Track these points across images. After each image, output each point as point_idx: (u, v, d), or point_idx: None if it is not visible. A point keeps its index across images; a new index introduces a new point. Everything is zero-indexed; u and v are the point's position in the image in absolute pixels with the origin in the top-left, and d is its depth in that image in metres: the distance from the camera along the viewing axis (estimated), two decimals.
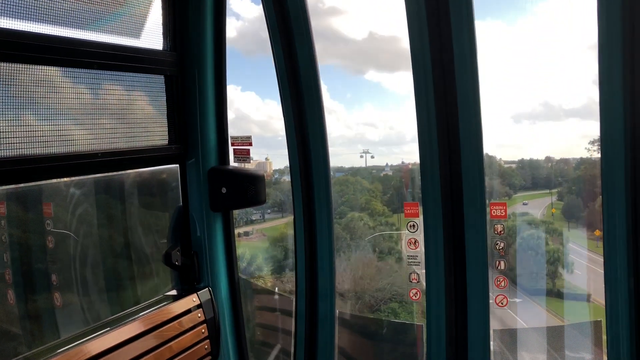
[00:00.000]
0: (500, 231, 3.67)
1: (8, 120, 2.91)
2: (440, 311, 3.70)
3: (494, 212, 3.66)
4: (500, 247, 3.68)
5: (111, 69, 3.43)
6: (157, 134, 3.89)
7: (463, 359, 3.68)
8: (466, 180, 3.54)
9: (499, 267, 3.68)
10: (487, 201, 3.61)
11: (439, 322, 3.71)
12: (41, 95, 3.08)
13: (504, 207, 3.67)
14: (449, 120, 3.51)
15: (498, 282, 3.68)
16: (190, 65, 3.93)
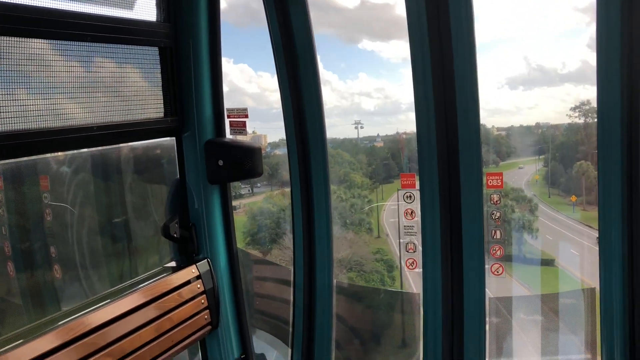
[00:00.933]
0: (496, 201, 3.70)
1: (1, 95, 2.89)
2: (437, 280, 3.74)
3: (490, 182, 3.68)
4: (497, 217, 3.71)
5: (104, 41, 3.38)
6: (153, 107, 3.86)
7: (459, 325, 3.74)
8: (463, 150, 3.55)
9: (495, 237, 3.71)
10: (483, 171, 3.63)
11: (436, 291, 3.76)
12: (34, 70, 3.05)
13: (500, 177, 3.69)
14: (446, 89, 3.50)
15: (494, 251, 3.72)
16: (184, 37, 3.88)
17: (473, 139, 3.52)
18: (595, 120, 3.34)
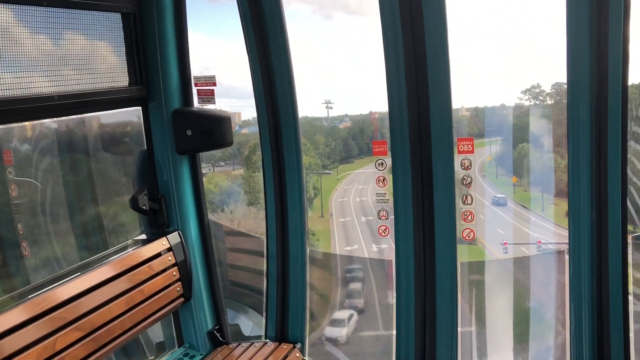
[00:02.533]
0: (467, 166, 3.70)
1: None
2: (409, 246, 3.76)
3: (461, 147, 3.68)
4: (468, 182, 3.72)
5: (62, 5, 3.26)
6: (117, 76, 3.75)
7: (431, 294, 3.77)
8: (434, 116, 3.54)
9: (466, 202, 3.73)
10: (454, 138, 3.63)
11: (408, 257, 3.78)
12: (2, 39, 2.93)
13: (471, 143, 3.69)
14: (417, 54, 3.49)
15: (465, 216, 3.74)
16: (148, 2, 3.75)
17: (444, 104, 3.52)
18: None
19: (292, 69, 3.86)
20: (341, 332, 4.62)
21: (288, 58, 3.82)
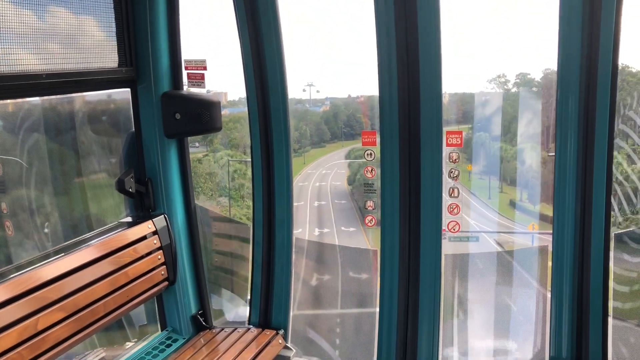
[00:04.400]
0: (455, 159, 3.72)
1: None
2: (395, 237, 3.78)
3: (449, 140, 3.70)
4: (455, 175, 3.74)
5: None
6: (107, 56, 3.71)
7: (415, 285, 3.80)
8: (424, 107, 3.55)
9: (453, 195, 3.75)
10: (443, 130, 3.64)
11: (393, 248, 3.80)
12: None
13: (460, 136, 3.71)
14: (409, 48, 3.49)
15: (451, 209, 3.76)
16: None
17: (435, 96, 3.52)
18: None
19: (283, 56, 3.84)
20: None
21: (280, 41, 3.80)
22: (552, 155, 3.59)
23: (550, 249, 3.67)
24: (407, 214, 3.72)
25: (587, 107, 3.32)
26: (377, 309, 3.97)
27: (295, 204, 4.08)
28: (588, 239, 3.45)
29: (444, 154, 3.65)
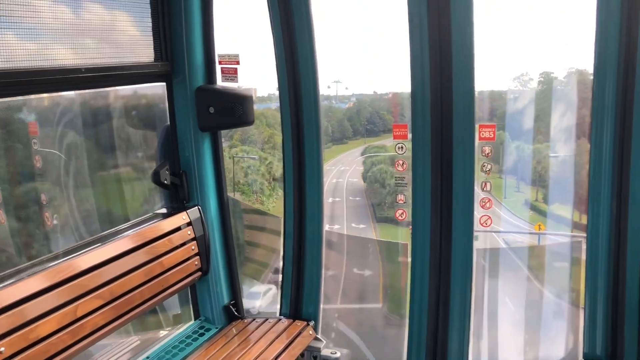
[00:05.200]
0: (487, 153, 3.69)
1: None
2: (426, 232, 3.77)
3: (482, 134, 3.67)
4: (487, 169, 3.71)
5: None
6: (143, 51, 3.79)
7: (446, 280, 3.79)
8: (457, 101, 3.53)
9: (485, 189, 3.73)
10: (475, 123, 3.62)
11: (424, 242, 3.79)
12: (21, 9, 2.97)
13: (493, 130, 3.68)
14: (442, 39, 3.47)
15: (483, 203, 3.74)
16: None
17: (467, 89, 3.50)
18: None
19: (315, 50, 3.87)
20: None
21: (312, 35, 3.83)
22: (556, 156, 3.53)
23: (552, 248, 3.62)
24: (438, 207, 3.71)
25: (624, 100, 3.26)
26: (408, 304, 3.97)
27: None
28: (624, 234, 3.39)
29: (476, 148, 3.63)
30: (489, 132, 3.67)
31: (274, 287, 5.85)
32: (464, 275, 3.77)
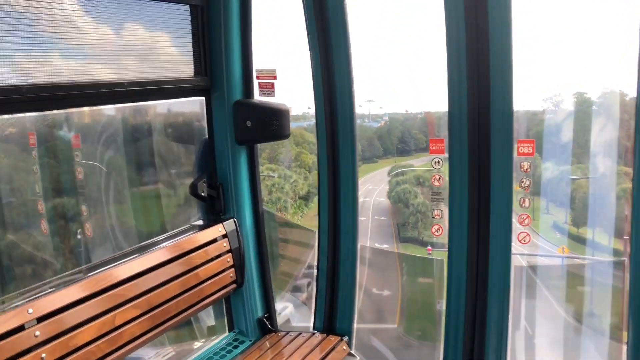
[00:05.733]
0: (526, 169, 3.63)
1: (33, 48, 2.94)
2: (462, 249, 3.72)
3: (521, 149, 3.61)
4: (526, 185, 3.65)
5: None
6: (183, 66, 3.88)
7: (482, 298, 3.71)
8: (494, 117, 3.49)
9: (523, 205, 3.66)
10: (514, 139, 3.56)
11: (460, 259, 3.73)
12: (66, 25, 3.09)
13: (532, 145, 3.62)
14: (479, 56, 3.44)
15: (522, 220, 3.67)
16: None
17: (506, 104, 3.45)
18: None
19: (351, 68, 3.89)
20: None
21: (348, 53, 3.85)
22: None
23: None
24: (475, 224, 3.65)
25: None
26: (443, 322, 3.91)
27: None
28: None
29: (514, 163, 3.58)
30: (528, 147, 3.61)
31: (290, 305, 5.89)
32: (502, 294, 3.68)
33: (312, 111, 4.12)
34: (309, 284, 7.05)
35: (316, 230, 4.34)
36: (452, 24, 3.48)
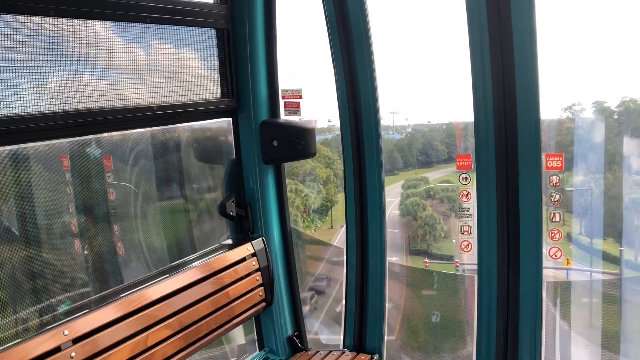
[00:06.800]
0: (555, 183, 3.59)
1: (66, 75, 3.03)
2: (492, 265, 3.67)
3: (549, 163, 3.57)
4: (556, 199, 3.60)
5: (164, 22, 3.48)
6: (210, 88, 3.95)
7: (514, 314, 3.66)
8: (522, 130, 3.45)
9: (554, 220, 3.61)
10: (542, 153, 3.53)
11: (491, 275, 3.69)
12: (97, 52, 3.17)
13: (561, 159, 3.58)
14: (505, 66, 3.42)
15: (552, 235, 3.62)
16: (241, 18, 3.94)
17: (533, 117, 3.42)
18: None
19: (376, 80, 3.90)
20: None
21: (372, 67, 3.87)
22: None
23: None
24: (505, 239, 3.61)
25: None
26: (475, 337, 3.86)
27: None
28: None
29: (543, 178, 3.53)
30: (557, 161, 3.57)
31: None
32: (534, 310, 3.62)
33: (330, 124, 4.15)
34: (312, 297, 7.20)
35: (329, 243, 4.34)
36: (475, 33, 3.46)
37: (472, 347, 3.88)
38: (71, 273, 3.81)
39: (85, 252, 3.85)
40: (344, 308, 4.34)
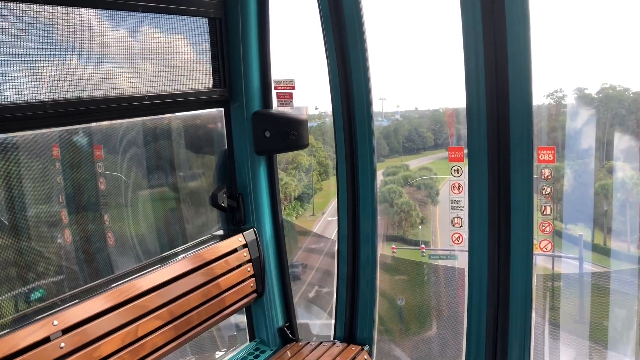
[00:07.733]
0: (547, 176, 3.60)
1: (56, 64, 2.98)
2: (483, 256, 3.69)
3: (541, 156, 3.58)
4: (547, 192, 3.62)
5: (155, 11, 3.44)
6: (202, 78, 3.91)
7: (504, 306, 3.68)
8: (514, 123, 3.45)
9: (544, 212, 3.63)
10: (534, 145, 3.53)
11: (482, 267, 3.70)
12: (87, 40, 3.13)
13: (552, 152, 3.59)
14: (498, 59, 3.41)
15: (543, 228, 3.64)
16: (233, 7, 3.90)
17: (524, 110, 3.42)
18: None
19: (368, 69, 3.88)
20: None
21: (365, 55, 3.85)
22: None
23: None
24: (496, 232, 3.62)
25: None
26: (465, 331, 3.88)
27: (329, 218, 4.12)
28: None
29: (534, 171, 3.54)
30: (549, 154, 3.58)
31: None
32: (524, 301, 3.64)
33: (318, 112, 4.13)
34: None
35: (310, 230, 4.35)
36: (468, 20, 3.44)
37: (462, 341, 3.91)
38: (60, 263, 3.80)
39: (76, 242, 3.84)
40: (334, 299, 4.34)
